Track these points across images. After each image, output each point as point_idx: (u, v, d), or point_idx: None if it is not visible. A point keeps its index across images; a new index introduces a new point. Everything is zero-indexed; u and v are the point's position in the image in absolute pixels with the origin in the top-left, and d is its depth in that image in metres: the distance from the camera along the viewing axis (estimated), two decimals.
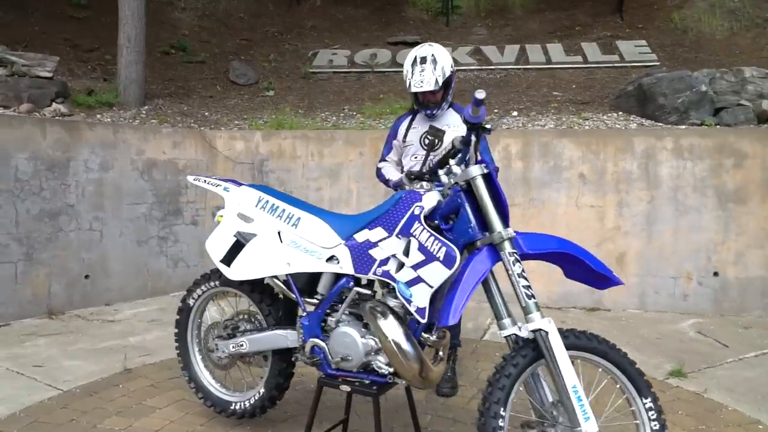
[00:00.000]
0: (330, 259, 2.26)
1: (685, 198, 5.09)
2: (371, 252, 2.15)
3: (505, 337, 2.07)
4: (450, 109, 3.24)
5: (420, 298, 2.00)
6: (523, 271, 1.94)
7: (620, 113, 6.28)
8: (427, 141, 3.17)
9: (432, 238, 1.98)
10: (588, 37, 8.77)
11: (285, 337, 2.41)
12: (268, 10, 10.22)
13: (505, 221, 1.98)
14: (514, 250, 1.95)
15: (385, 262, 2.11)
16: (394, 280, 2.08)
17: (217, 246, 2.49)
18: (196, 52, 8.61)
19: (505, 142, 5.33)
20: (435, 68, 2.96)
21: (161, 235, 5.42)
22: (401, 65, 8.46)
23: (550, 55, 8.14)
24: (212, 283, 2.67)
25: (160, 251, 5.42)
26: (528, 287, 1.93)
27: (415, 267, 2.01)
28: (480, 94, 1.81)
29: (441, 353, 2.20)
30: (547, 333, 1.90)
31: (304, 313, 2.35)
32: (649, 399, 2.01)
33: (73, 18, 8.17)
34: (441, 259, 1.94)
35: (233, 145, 5.73)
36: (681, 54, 7.87)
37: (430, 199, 2.10)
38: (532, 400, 2.04)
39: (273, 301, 2.56)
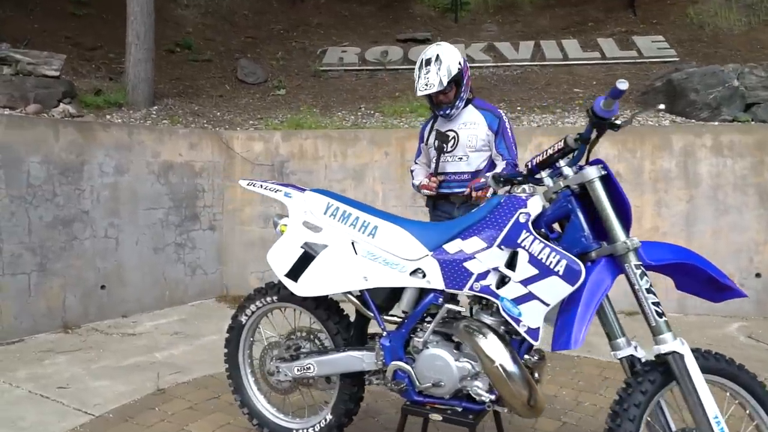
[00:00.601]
0: (414, 272, 2.03)
1: (725, 197, 4.92)
2: (466, 265, 1.92)
3: (620, 359, 1.85)
4: (469, 106, 3.15)
5: (532, 317, 1.77)
6: (651, 285, 1.72)
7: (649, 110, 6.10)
8: (435, 144, 3.13)
9: (548, 249, 1.76)
10: (602, 32, 8.60)
11: (360, 360, 2.18)
12: (272, 8, 9.95)
13: (627, 228, 1.77)
14: (640, 262, 1.73)
15: (483, 276, 1.89)
16: (496, 296, 1.86)
17: (281, 259, 2.24)
18: (201, 50, 8.33)
19: (538, 141, 5.12)
20: (440, 68, 2.90)
21: (178, 242, 5.15)
22: (414, 62, 8.34)
23: (567, 51, 7.95)
24: (269, 299, 2.43)
25: (178, 258, 5.15)
26: (658, 304, 1.72)
27: (526, 282, 1.78)
28: (622, 85, 1.59)
29: (538, 376, 1.98)
30: (682, 356, 1.68)
31: (384, 333, 2.11)
32: None
33: (75, 15, 7.84)
34: (561, 273, 1.72)
35: (251, 146, 5.47)
36: (700, 49, 7.71)
37: (535, 204, 1.88)
38: (653, 429, 1.82)
39: (341, 318, 2.32)
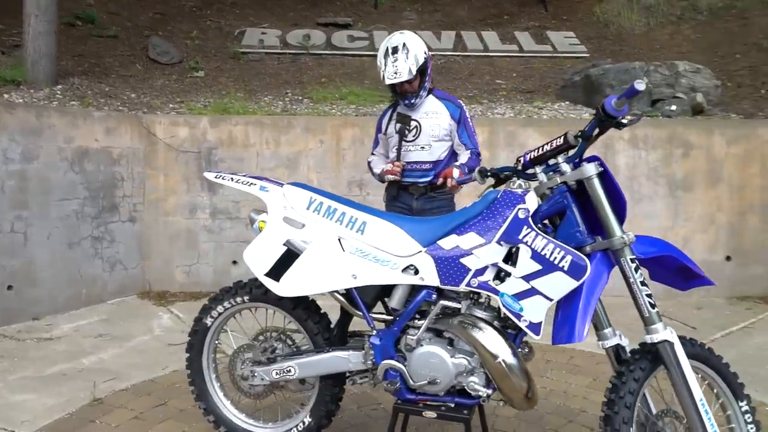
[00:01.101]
0: (406, 269, 1.98)
1: (640, 187, 5.28)
2: (464, 261, 1.90)
3: (607, 348, 1.93)
4: (431, 96, 3.17)
5: (534, 312, 1.79)
6: (644, 278, 1.80)
7: (567, 103, 6.42)
8: (397, 128, 3.11)
9: (552, 245, 1.78)
10: (518, 26, 8.91)
11: (346, 360, 2.10)
12: None
13: (621, 223, 1.83)
14: (634, 256, 1.80)
15: (481, 272, 1.88)
16: (495, 292, 1.85)
17: (260, 257, 2.10)
18: (105, 25, 7.66)
19: None
20: (407, 57, 2.91)
21: (95, 235, 4.73)
22: (338, 48, 8.24)
23: (487, 43, 8.16)
24: (239, 299, 2.28)
25: (95, 253, 4.73)
26: (650, 296, 1.80)
27: (528, 278, 1.80)
28: (639, 85, 1.62)
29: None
30: (672, 344, 1.78)
31: (374, 332, 2.05)
32: (745, 402, 1.96)
33: None
34: (566, 269, 1.74)
35: (175, 131, 5.12)
36: (607, 47, 8.21)
37: (532, 200, 1.89)
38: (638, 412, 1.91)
39: (321, 318, 2.23)
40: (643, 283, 1.79)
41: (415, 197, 3.16)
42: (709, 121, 5.59)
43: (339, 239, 2.05)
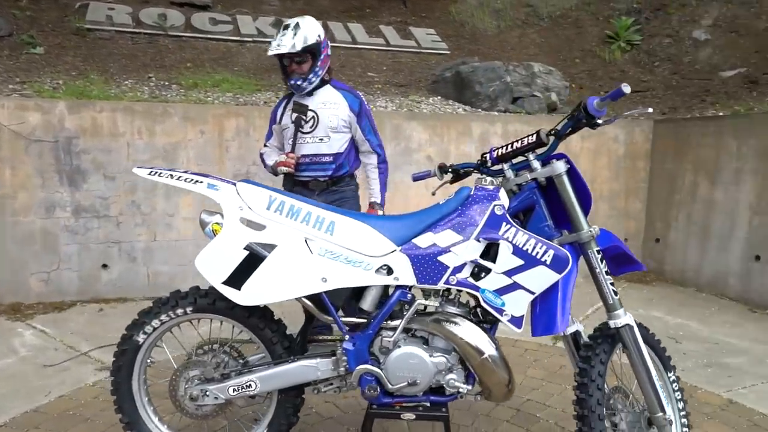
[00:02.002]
0: (379, 269, 1.91)
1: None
2: (441, 259, 1.88)
3: (566, 335, 2.05)
4: (327, 86, 3.12)
5: (516, 306, 1.84)
6: (607, 268, 1.94)
7: (440, 98, 6.69)
8: (293, 118, 3.04)
9: (533, 240, 1.83)
10: (380, 20, 9.05)
11: (315, 369, 1.98)
12: None
13: (586, 216, 1.94)
14: (599, 248, 1.93)
15: (459, 269, 1.88)
16: (476, 288, 1.87)
17: (217, 264, 1.88)
18: None
19: None
20: (296, 34, 2.87)
21: None
22: (199, 30, 7.68)
23: (355, 35, 8.17)
24: (179, 311, 2.04)
25: None
26: (613, 284, 1.94)
27: (510, 273, 1.84)
28: (626, 88, 1.71)
29: None
30: (632, 328, 1.94)
31: (346, 337, 1.95)
32: (672, 373, 2.22)
33: None
34: (548, 262, 1.81)
35: (24, 117, 4.39)
36: (465, 45, 8.69)
37: (504, 196, 1.93)
38: None
39: (278, 327, 2.06)
40: (607, 273, 1.93)
41: (316, 193, 3.12)
42: None
43: (306, 241, 1.91)
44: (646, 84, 7.21)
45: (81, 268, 4.54)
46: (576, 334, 2.07)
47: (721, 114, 5.84)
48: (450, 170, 2.20)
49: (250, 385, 1.98)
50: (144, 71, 6.12)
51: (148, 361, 2.12)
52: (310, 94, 3.04)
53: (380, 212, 3.16)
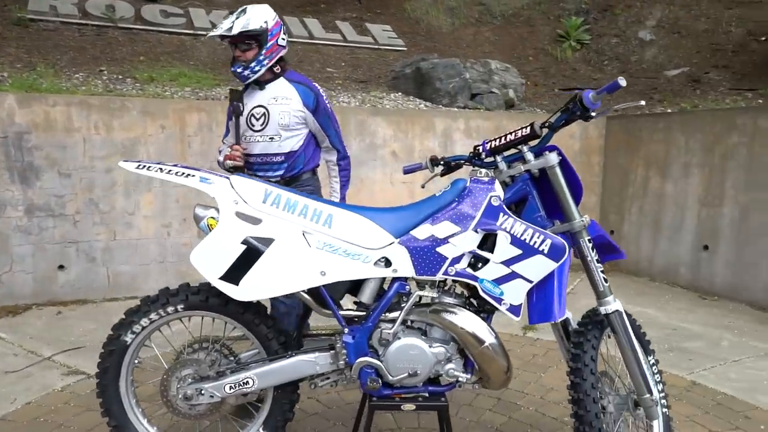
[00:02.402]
0: (377, 261, 1.91)
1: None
2: (440, 250, 1.90)
3: (556, 323, 2.12)
4: (281, 79, 2.86)
5: (514, 295, 1.88)
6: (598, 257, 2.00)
7: (400, 93, 6.72)
8: (233, 106, 2.83)
9: (531, 230, 1.87)
10: (336, 15, 9.00)
11: (313, 363, 1.96)
12: None
13: (577, 206, 2.00)
14: (590, 237, 1.99)
15: (458, 260, 1.90)
16: (474, 278, 1.90)
17: (213, 259, 1.83)
18: None
19: None
20: (239, 18, 2.68)
21: None
22: (150, 23, 7.43)
23: (311, 30, 8.10)
24: (170, 309, 1.97)
25: None
26: (603, 272, 2.01)
27: (509, 263, 1.87)
28: (622, 81, 1.77)
29: None
30: (621, 313, 2.01)
31: (346, 330, 1.94)
32: (652, 357, 2.32)
33: None
34: (546, 252, 1.85)
35: None
36: (421, 42, 8.76)
37: (498, 187, 1.97)
38: None
39: (273, 322, 2.03)
40: (598, 261, 1.99)
41: None
42: (526, 115, 6.34)
43: (304, 234, 1.89)
44: (597, 82, 7.47)
45: (36, 270, 4.32)
46: (565, 322, 2.14)
47: (669, 111, 6.12)
48: (441, 163, 2.22)
49: (247, 382, 1.94)
50: (95, 64, 5.88)
51: (136, 361, 2.05)
52: (262, 87, 2.81)
53: None
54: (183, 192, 4.69)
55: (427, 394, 1.98)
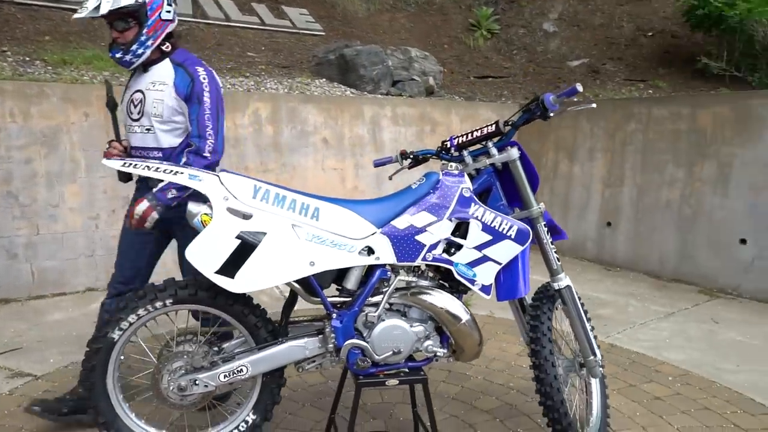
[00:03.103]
0: (361, 250, 2.06)
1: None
2: (418, 238, 2.08)
3: (514, 300, 2.38)
4: (166, 61, 2.44)
5: (486, 276, 2.10)
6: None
7: (324, 80, 6.79)
8: (106, 102, 2.55)
9: (499, 217, 2.09)
10: None
11: (303, 348, 2.08)
12: None
13: (534, 194, 2.25)
14: (545, 222, 2.26)
15: (434, 246, 2.09)
16: (450, 263, 2.10)
17: (209, 254, 1.89)
18: None
19: (255, 106, 5.16)
20: None
21: None
22: None
23: (227, 12, 7.90)
24: (158, 304, 2.01)
25: None
26: (556, 252, 2.28)
27: (480, 248, 2.08)
28: (579, 87, 2.00)
29: None
30: (571, 288, 2.31)
31: (334, 315, 2.07)
32: (589, 323, 2.65)
33: None
34: (513, 236, 2.08)
35: None
36: (338, 27, 8.81)
37: (467, 179, 2.17)
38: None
39: (261, 312, 2.12)
40: (551, 243, 2.26)
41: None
42: (447, 102, 6.64)
43: (293, 227, 1.99)
44: (508, 70, 7.94)
45: None
46: (521, 299, 2.40)
47: (575, 99, 6.67)
48: (410, 156, 2.38)
49: (241, 369, 2.02)
50: None
51: (121, 358, 2.06)
52: (146, 70, 2.43)
53: (144, 203, 2.21)
54: (111, 183, 4.52)
55: (407, 370, 2.16)
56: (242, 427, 2.14)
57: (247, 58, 6.95)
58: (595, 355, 2.34)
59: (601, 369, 2.49)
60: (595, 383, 2.50)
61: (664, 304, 4.58)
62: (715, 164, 5.03)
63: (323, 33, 8.37)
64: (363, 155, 5.76)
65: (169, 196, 2.22)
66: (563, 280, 2.29)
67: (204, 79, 2.39)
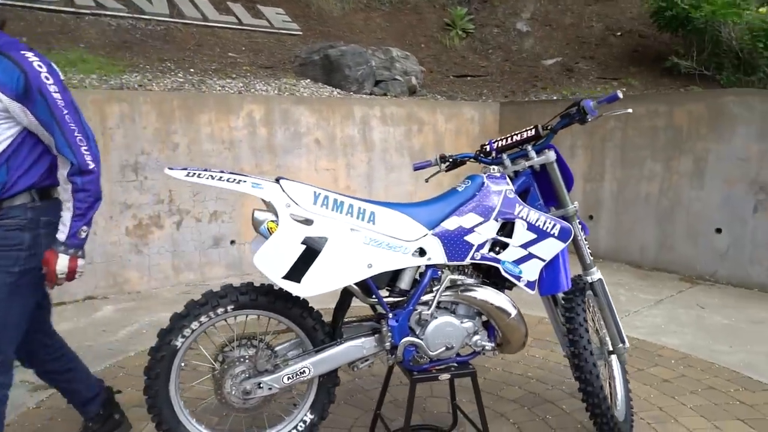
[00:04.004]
0: (414, 252, 2.15)
1: (391, 158, 6.13)
2: (467, 238, 2.18)
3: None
4: None
5: (531, 272, 2.22)
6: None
7: (309, 80, 6.81)
8: None
9: (543, 216, 2.21)
10: None
11: (361, 347, 2.15)
12: None
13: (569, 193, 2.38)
14: (580, 219, 2.40)
15: (482, 246, 2.20)
16: (497, 261, 2.21)
17: (276, 260, 1.94)
18: None
19: (249, 108, 5.17)
20: None
21: None
22: None
23: (204, 12, 7.81)
24: (220, 310, 2.05)
25: None
26: (589, 247, 2.43)
27: (526, 246, 2.20)
28: (620, 93, 2.13)
29: None
30: (602, 281, 2.46)
31: (391, 315, 2.15)
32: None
33: None
34: (556, 234, 2.21)
35: None
36: (314, 26, 8.81)
37: (509, 181, 2.28)
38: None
39: (317, 314, 2.19)
40: (585, 239, 2.40)
41: None
42: (432, 102, 6.76)
43: (351, 231, 2.06)
44: (485, 69, 8.13)
45: None
46: (554, 294, 2.54)
47: (554, 98, 6.90)
48: (449, 160, 2.48)
49: (304, 371, 2.08)
50: None
51: (182, 365, 2.09)
52: None
53: (63, 258, 1.94)
54: (107, 189, 4.46)
55: (456, 364, 2.27)
56: (300, 427, 2.20)
57: (229, 59, 6.90)
58: (624, 342, 2.49)
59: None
60: (617, 369, 2.66)
61: (651, 292, 4.83)
62: (691, 159, 5.31)
63: (300, 33, 8.37)
64: (354, 155, 5.83)
65: (83, 235, 1.98)
66: (596, 274, 2.44)
67: (40, 67, 1.85)
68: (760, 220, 4.85)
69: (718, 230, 5.14)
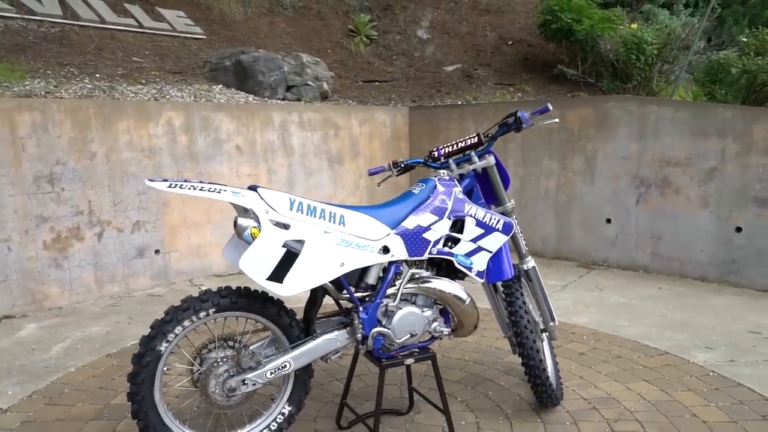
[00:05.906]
0: (379, 250, 2.36)
1: (310, 162, 6.27)
2: (425, 235, 2.42)
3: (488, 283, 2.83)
4: None
5: (480, 263, 2.51)
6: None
7: (221, 86, 6.76)
8: None
9: (489, 213, 2.50)
10: None
11: (335, 340, 2.32)
12: None
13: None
14: (515, 215, 2.73)
15: (438, 242, 2.45)
16: (451, 254, 2.47)
17: (260, 263, 2.06)
18: None
19: (168, 116, 5.10)
20: None
21: None
22: None
23: (100, 13, 7.47)
24: (202, 314, 2.14)
25: None
26: (524, 239, 2.77)
27: (475, 240, 2.49)
28: (550, 105, 2.45)
29: None
30: (535, 268, 2.81)
31: (361, 308, 2.34)
32: None
33: None
34: (500, 229, 2.51)
35: None
36: (218, 30, 8.71)
37: (457, 183, 2.56)
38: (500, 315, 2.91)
39: (290, 312, 2.33)
40: (520, 232, 2.74)
41: None
42: (346, 107, 6.97)
43: (324, 233, 2.23)
44: (391, 74, 8.47)
45: None
46: (495, 282, 2.85)
47: (459, 102, 7.37)
48: (400, 165, 2.71)
49: (285, 365, 2.21)
50: None
51: (165, 368, 2.15)
52: None
53: None
54: (21, 202, 4.23)
55: (417, 350, 2.51)
56: (279, 419, 2.34)
57: (134, 64, 6.68)
58: (554, 320, 2.87)
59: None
60: (547, 345, 3.04)
61: (556, 278, 5.38)
62: (583, 158, 5.96)
63: (205, 37, 8.25)
64: (275, 160, 5.90)
65: None
66: (530, 262, 2.78)
67: None
68: (642, 210, 5.56)
69: (608, 221, 5.81)
